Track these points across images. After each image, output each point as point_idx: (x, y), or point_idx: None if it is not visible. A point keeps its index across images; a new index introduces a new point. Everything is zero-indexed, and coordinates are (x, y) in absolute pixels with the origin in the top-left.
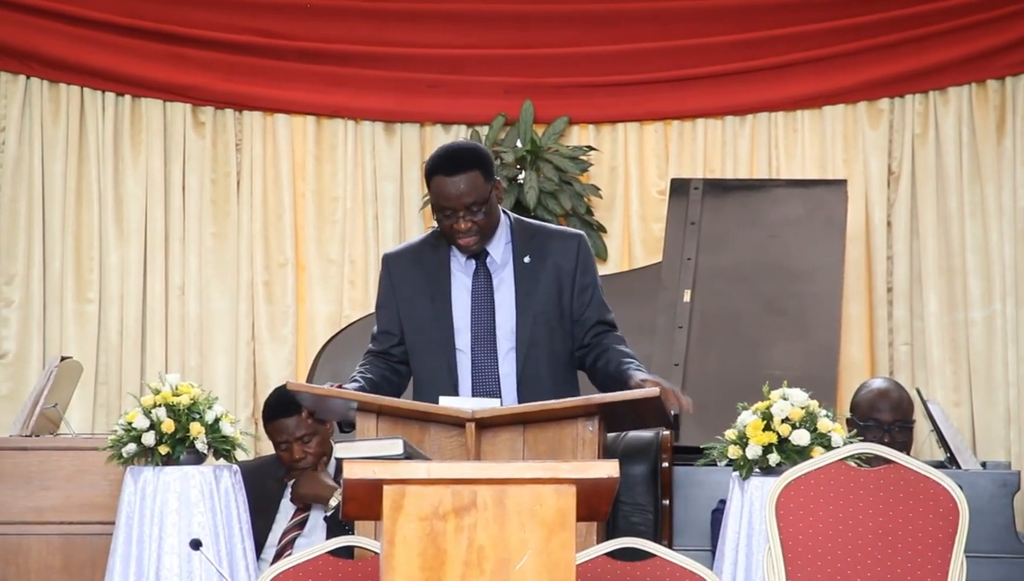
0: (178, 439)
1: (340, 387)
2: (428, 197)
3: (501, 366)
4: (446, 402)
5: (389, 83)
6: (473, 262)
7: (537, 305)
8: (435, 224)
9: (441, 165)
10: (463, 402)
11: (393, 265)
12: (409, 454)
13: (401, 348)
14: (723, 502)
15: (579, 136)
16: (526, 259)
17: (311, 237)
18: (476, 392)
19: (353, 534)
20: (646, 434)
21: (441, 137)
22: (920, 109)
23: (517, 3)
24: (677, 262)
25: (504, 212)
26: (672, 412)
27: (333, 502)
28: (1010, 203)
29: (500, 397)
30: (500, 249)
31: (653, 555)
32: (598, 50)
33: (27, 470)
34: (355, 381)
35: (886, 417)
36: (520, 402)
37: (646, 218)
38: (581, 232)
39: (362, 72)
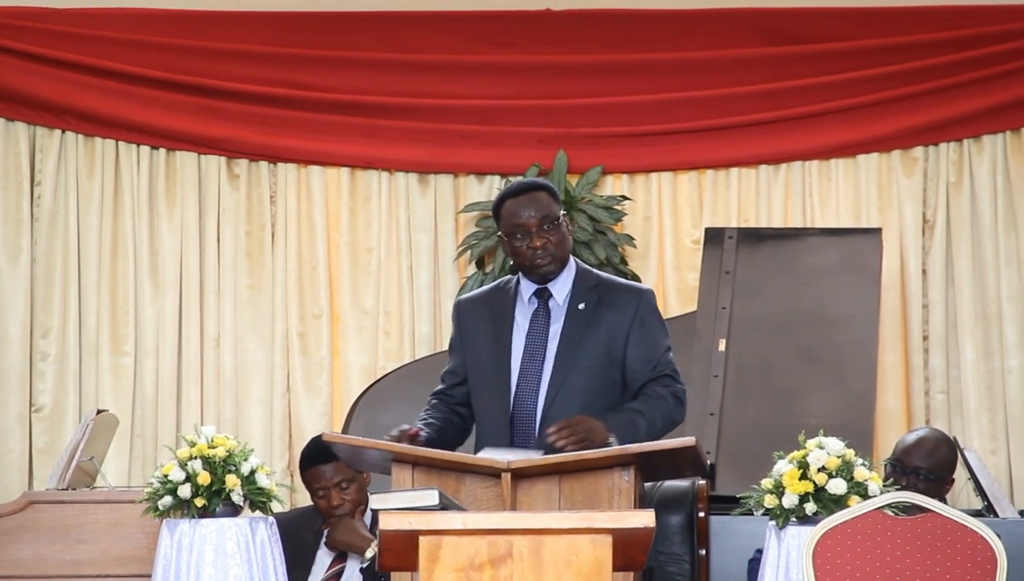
0: (214, 491)
1: (410, 431)
2: (462, 247)
3: (538, 405)
4: (486, 453)
5: (423, 134)
6: (535, 302)
7: (579, 354)
8: (467, 274)
9: (510, 192)
10: (499, 452)
11: (463, 310)
12: (445, 505)
13: (463, 390)
14: (760, 551)
15: (613, 186)
16: (581, 306)
17: (346, 288)
18: (516, 428)
19: None
20: (682, 483)
21: (475, 187)
22: (955, 157)
23: (549, 54)
24: (712, 311)
25: (575, 259)
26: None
27: (369, 553)
28: None
29: (534, 439)
30: (563, 293)
31: None
32: (631, 100)
33: (64, 523)
34: (423, 424)
35: (912, 462)
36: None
37: (680, 267)
38: (649, 287)
39: (396, 124)
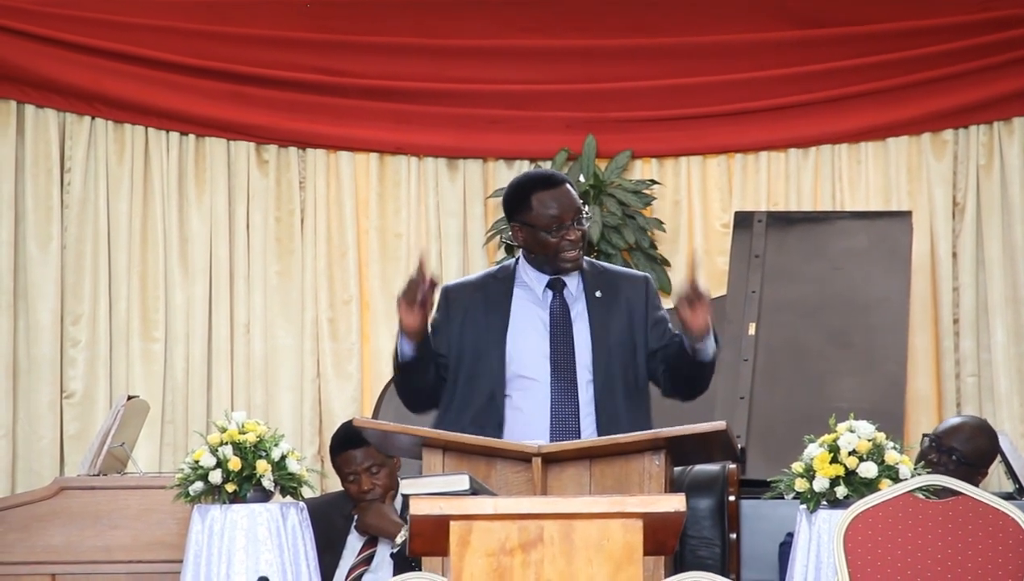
0: (245, 477)
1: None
2: (491, 232)
3: (581, 396)
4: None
5: (452, 119)
6: (550, 294)
7: (612, 338)
8: (496, 260)
9: (540, 180)
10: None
11: (452, 295)
12: (475, 489)
13: (442, 361)
14: (791, 535)
15: (642, 170)
16: (597, 294)
17: (375, 274)
18: (554, 423)
19: (420, 570)
20: (712, 468)
21: (504, 172)
22: (984, 140)
23: (578, 38)
24: (742, 295)
25: None
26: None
27: (399, 539)
28: None
29: (579, 428)
30: (574, 283)
31: None
32: (660, 84)
33: (95, 509)
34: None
35: (948, 442)
36: (599, 433)
37: (710, 251)
38: (648, 274)
39: (425, 109)
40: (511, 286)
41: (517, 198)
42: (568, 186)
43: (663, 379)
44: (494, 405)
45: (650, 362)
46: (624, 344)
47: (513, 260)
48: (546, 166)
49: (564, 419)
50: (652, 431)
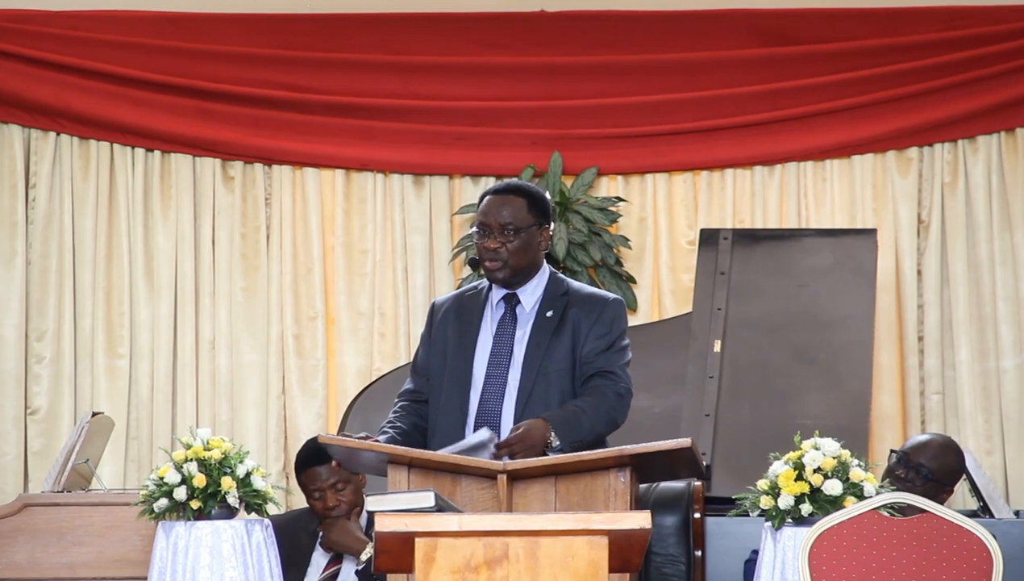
0: (210, 493)
1: (371, 439)
2: (457, 248)
3: (504, 407)
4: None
5: (418, 136)
6: (503, 307)
7: (548, 361)
8: (462, 276)
9: (492, 188)
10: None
11: (437, 310)
12: (440, 506)
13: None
14: (756, 552)
15: (608, 187)
16: (548, 313)
17: (341, 290)
18: (477, 424)
19: None
20: (678, 485)
21: (470, 189)
22: (949, 158)
23: (544, 55)
24: (707, 312)
25: (548, 267)
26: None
27: (365, 555)
28: None
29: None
30: (532, 300)
31: None
32: (626, 101)
33: (59, 526)
34: (385, 432)
35: (916, 458)
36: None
37: (675, 268)
38: (618, 297)
39: (391, 125)
40: (484, 300)
41: (478, 203)
42: (517, 197)
43: None
44: (462, 416)
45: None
46: (561, 366)
47: None
48: None
49: (487, 422)
50: (617, 448)
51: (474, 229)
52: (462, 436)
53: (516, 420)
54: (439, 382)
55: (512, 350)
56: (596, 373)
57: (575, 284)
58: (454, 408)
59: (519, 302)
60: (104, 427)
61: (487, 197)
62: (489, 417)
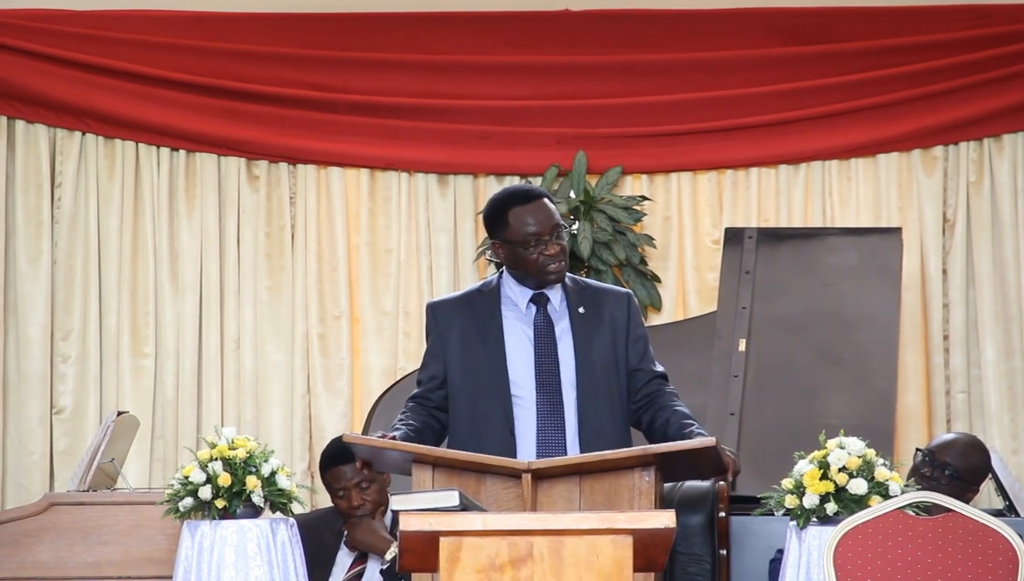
0: (235, 493)
1: (388, 436)
2: (482, 247)
3: (567, 412)
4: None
5: (442, 135)
6: (534, 309)
7: (596, 353)
8: (487, 276)
9: (516, 196)
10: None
11: (440, 312)
12: (465, 505)
13: (441, 393)
14: (781, 552)
15: (632, 186)
16: (581, 310)
17: (365, 289)
18: (541, 440)
19: None
20: (702, 484)
21: (495, 188)
22: (975, 156)
23: (568, 55)
24: (732, 311)
25: None
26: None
27: (389, 555)
28: None
29: (564, 443)
30: (557, 298)
31: None
32: (651, 100)
33: (85, 525)
34: (397, 429)
35: (942, 457)
36: (582, 449)
37: (700, 267)
38: (629, 290)
39: (415, 124)
40: (498, 301)
41: (494, 216)
42: (545, 200)
43: (642, 424)
44: (507, 424)
45: (630, 381)
46: (607, 360)
47: (496, 275)
48: (536, 182)
49: (550, 434)
50: (642, 447)
51: (520, 244)
52: (509, 439)
53: (580, 419)
54: (466, 386)
55: (557, 351)
56: (656, 383)
57: (584, 279)
58: (496, 413)
59: (548, 300)
60: (129, 426)
61: (518, 207)
62: (549, 422)
